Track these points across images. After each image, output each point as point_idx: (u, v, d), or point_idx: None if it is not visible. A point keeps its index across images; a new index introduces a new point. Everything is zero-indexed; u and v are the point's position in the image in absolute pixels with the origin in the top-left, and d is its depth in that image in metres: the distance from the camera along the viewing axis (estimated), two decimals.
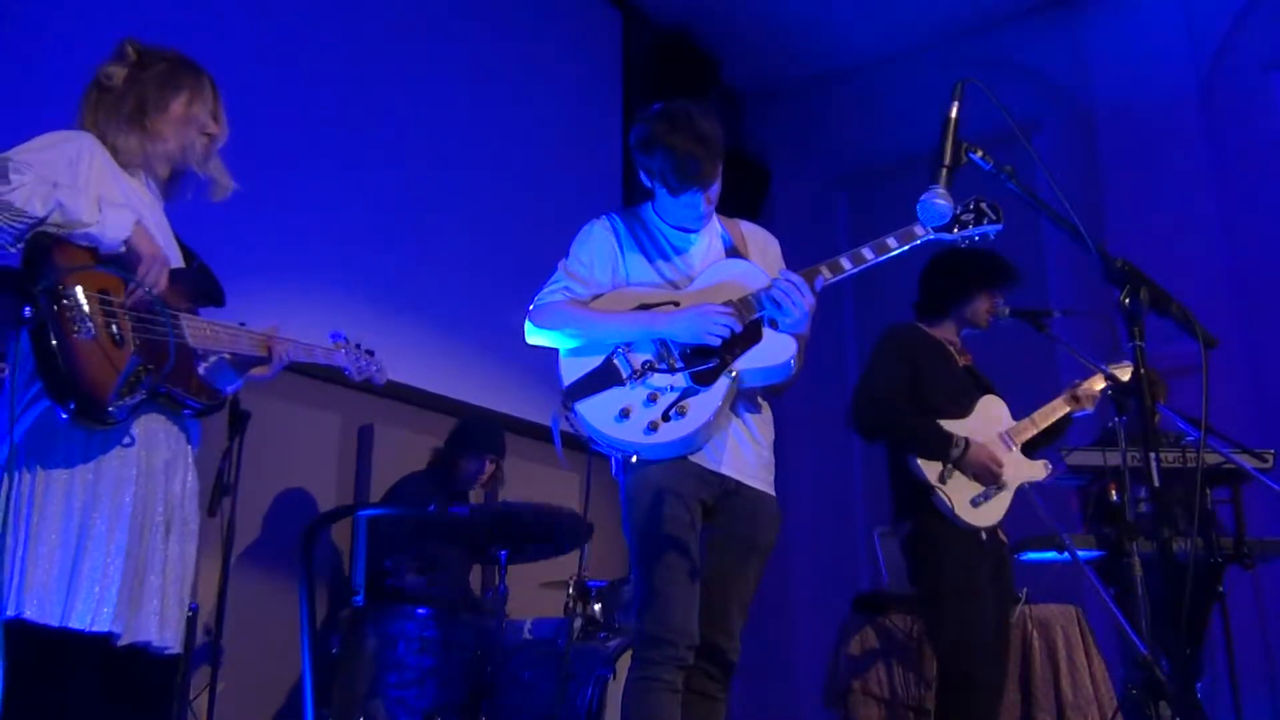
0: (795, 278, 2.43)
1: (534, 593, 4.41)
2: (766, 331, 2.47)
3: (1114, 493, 3.85)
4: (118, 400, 1.94)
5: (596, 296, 2.58)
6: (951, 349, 3.52)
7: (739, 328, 2.43)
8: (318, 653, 3.62)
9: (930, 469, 3.23)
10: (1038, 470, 3.38)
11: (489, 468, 4.44)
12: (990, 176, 1.88)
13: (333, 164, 4.64)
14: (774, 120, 7.43)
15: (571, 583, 4.02)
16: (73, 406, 1.89)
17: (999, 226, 2.46)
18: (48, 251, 1.93)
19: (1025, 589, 4.01)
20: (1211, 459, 3.47)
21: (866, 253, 2.49)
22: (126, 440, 2.02)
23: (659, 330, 2.46)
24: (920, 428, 3.29)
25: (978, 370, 3.60)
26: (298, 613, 3.63)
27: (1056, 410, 3.51)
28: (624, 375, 2.42)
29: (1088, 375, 3.57)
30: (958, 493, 3.21)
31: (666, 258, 2.63)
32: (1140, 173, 5.81)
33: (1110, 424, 3.43)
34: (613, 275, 2.61)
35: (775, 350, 2.46)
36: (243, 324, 2.34)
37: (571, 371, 2.49)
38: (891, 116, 6.62)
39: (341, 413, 4.65)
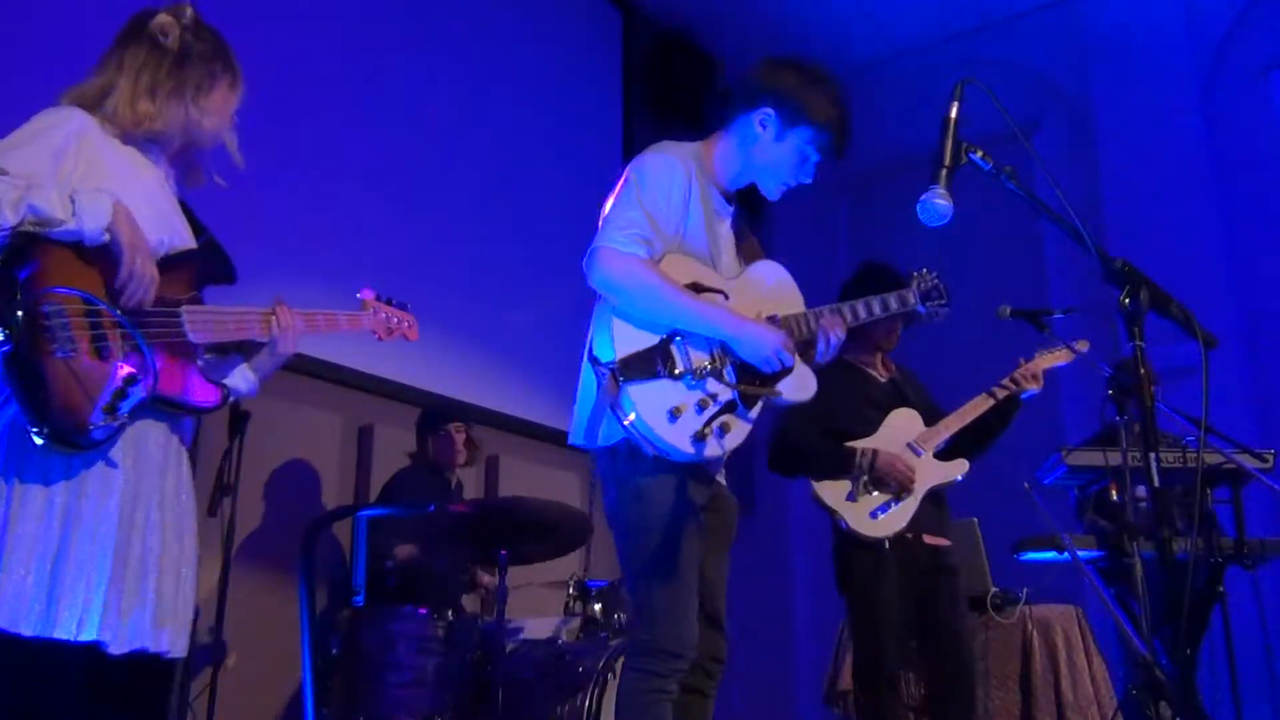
0: (843, 333, 2.47)
1: (534, 593, 4.42)
2: (797, 363, 2.40)
3: (1114, 493, 3.85)
4: (101, 420, 1.84)
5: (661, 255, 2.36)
6: (868, 369, 3.62)
7: (791, 362, 2.35)
8: (318, 653, 3.62)
9: (833, 491, 3.36)
10: (952, 471, 3.45)
11: (458, 436, 4.44)
12: (990, 176, 1.88)
13: (331, 164, 4.64)
14: None
15: (571, 583, 4.03)
16: (46, 432, 1.80)
17: (946, 306, 2.75)
18: (29, 257, 1.83)
19: (1025, 589, 4.01)
20: (1211, 459, 3.47)
21: (876, 307, 2.58)
22: (112, 449, 1.92)
23: (727, 333, 2.30)
24: (825, 452, 3.43)
25: (905, 382, 3.67)
26: (298, 613, 3.62)
27: (978, 407, 3.51)
28: (679, 368, 2.25)
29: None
30: (854, 510, 3.33)
31: (713, 226, 2.46)
32: (1140, 173, 5.81)
33: (1111, 423, 3.43)
34: (676, 229, 2.37)
35: (806, 385, 2.44)
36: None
37: (624, 340, 2.24)
38: (891, 117, 6.61)
39: (341, 413, 4.65)
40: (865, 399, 3.55)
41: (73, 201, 1.87)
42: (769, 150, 2.44)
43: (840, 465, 3.38)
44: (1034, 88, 6.24)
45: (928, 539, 3.41)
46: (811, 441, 3.46)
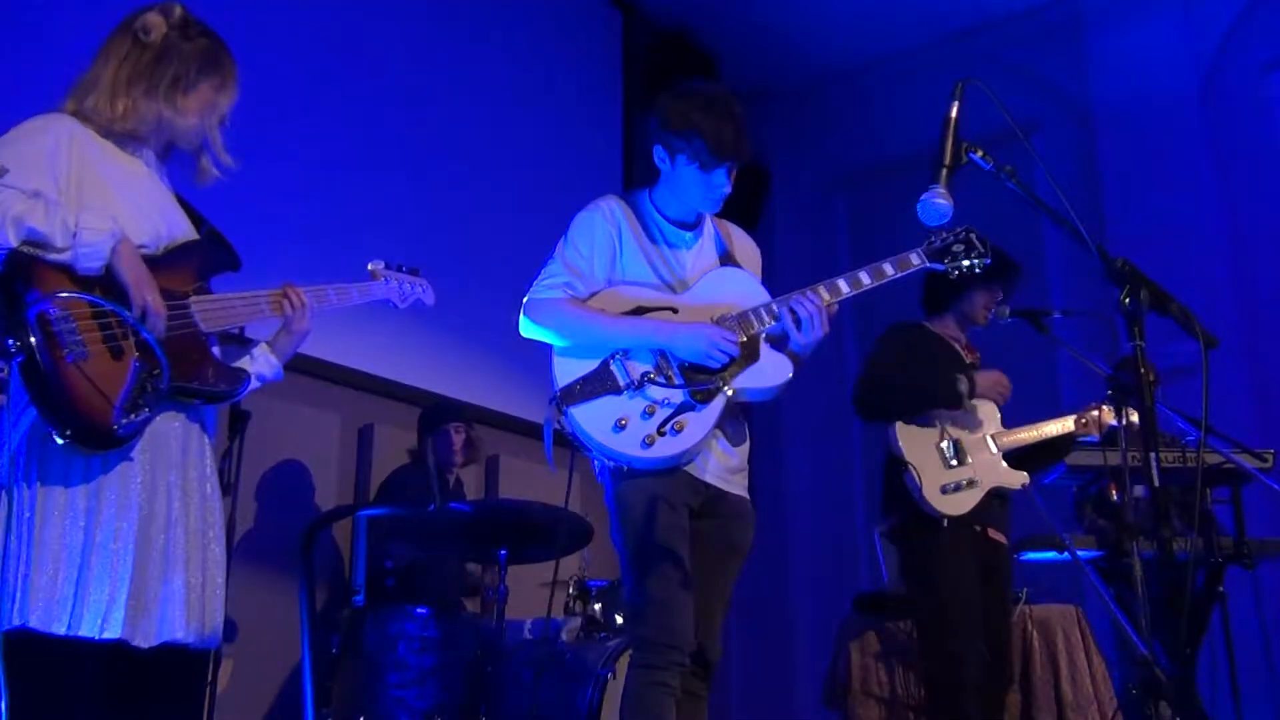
0: (821, 304, 2.42)
1: (534, 593, 4.41)
2: (764, 351, 2.46)
3: (1114, 493, 3.85)
4: (123, 418, 1.85)
5: (594, 293, 2.51)
6: (957, 346, 3.55)
7: (737, 353, 2.42)
8: (318, 653, 3.62)
9: (910, 438, 3.28)
10: (1015, 479, 3.42)
11: (458, 437, 4.43)
12: (990, 176, 1.88)
13: (333, 163, 4.64)
14: (773, 120, 7.41)
15: (571, 583, 4.03)
16: (69, 434, 1.82)
17: (987, 260, 2.55)
18: (27, 272, 1.84)
19: (1025, 589, 4.01)
20: (1211, 459, 3.47)
21: (864, 277, 2.50)
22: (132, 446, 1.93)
23: (660, 342, 2.42)
24: (926, 380, 3.36)
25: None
26: (298, 613, 3.63)
27: (1062, 426, 3.49)
28: (621, 383, 2.38)
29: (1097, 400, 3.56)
30: (931, 478, 3.26)
31: (663, 255, 2.57)
32: (1140, 172, 5.80)
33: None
34: (609, 269, 2.53)
35: (772, 372, 2.46)
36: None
37: (565, 372, 2.43)
38: (891, 116, 6.61)
39: (341, 413, 4.65)
40: (957, 368, 3.47)
41: (74, 235, 1.88)
42: (674, 179, 2.57)
43: (942, 389, 3.32)
44: (1034, 88, 6.23)
45: (991, 533, 3.38)
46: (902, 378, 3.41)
